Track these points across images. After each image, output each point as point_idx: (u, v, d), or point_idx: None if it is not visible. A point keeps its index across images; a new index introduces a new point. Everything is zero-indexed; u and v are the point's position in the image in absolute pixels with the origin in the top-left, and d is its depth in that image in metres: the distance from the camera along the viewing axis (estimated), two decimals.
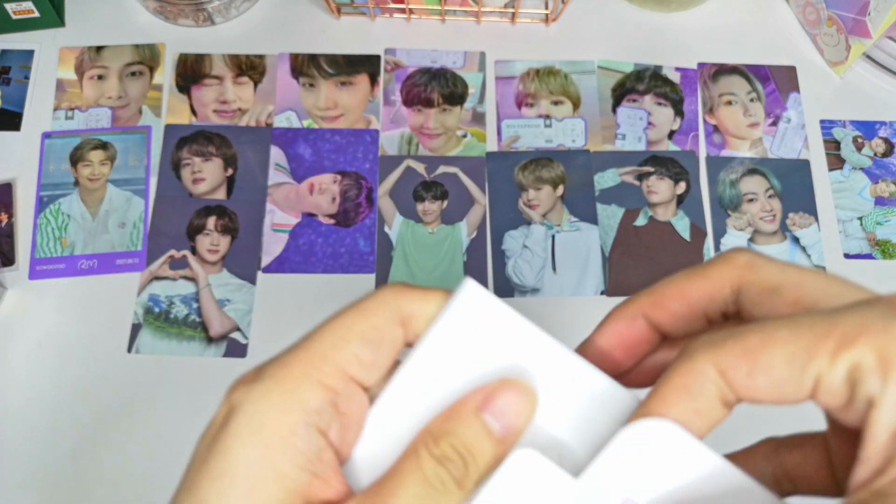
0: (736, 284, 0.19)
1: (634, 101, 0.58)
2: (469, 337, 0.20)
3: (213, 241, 0.53)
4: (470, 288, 0.21)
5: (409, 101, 0.57)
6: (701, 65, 0.59)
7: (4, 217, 0.53)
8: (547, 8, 0.60)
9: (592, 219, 0.54)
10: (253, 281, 0.52)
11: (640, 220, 0.54)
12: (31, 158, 0.55)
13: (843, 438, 0.18)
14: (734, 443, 0.21)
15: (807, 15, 0.60)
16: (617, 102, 0.58)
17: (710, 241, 0.54)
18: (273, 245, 0.53)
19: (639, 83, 0.58)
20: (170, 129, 0.56)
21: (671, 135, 0.57)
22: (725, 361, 0.16)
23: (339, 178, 0.55)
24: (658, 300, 0.20)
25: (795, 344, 0.15)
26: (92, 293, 0.51)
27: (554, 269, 0.53)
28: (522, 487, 0.19)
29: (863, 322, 0.15)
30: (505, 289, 0.52)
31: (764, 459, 0.21)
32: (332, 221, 0.54)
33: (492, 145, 0.56)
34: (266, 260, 0.52)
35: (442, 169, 0.55)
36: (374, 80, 0.58)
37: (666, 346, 0.21)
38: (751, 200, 0.55)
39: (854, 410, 0.15)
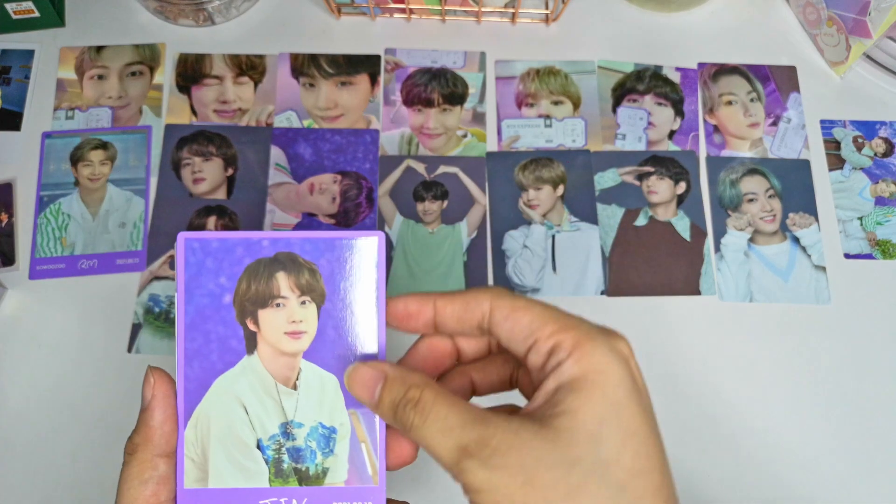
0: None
1: (634, 101, 0.58)
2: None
3: None
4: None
5: (409, 101, 0.57)
6: (701, 65, 0.59)
7: (5, 217, 0.53)
8: (547, 8, 0.60)
9: (592, 219, 0.54)
10: None
11: (641, 220, 0.54)
12: (31, 158, 0.55)
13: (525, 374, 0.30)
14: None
15: (807, 15, 0.60)
16: (617, 102, 0.58)
17: (710, 241, 0.54)
18: None
19: (639, 83, 0.58)
20: (170, 128, 0.56)
21: (671, 135, 0.57)
22: (498, 303, 0.27)
23: (339, 177, 0.55)
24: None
25: (536, 317, 0.26)
26: (92, 293, 0.51)
27: (554, 269, 0.53)
28: None
29: (568, 323, 0.26)
30: None
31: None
32: (332, 221, 0.54)
33: (492, 145, 0.56)
34: None
35: (442, 169, 0.55)
36: (374, 80, 0.58)
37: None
38: (751, 200, 0.55)
39: (544, 368, 0.26)
